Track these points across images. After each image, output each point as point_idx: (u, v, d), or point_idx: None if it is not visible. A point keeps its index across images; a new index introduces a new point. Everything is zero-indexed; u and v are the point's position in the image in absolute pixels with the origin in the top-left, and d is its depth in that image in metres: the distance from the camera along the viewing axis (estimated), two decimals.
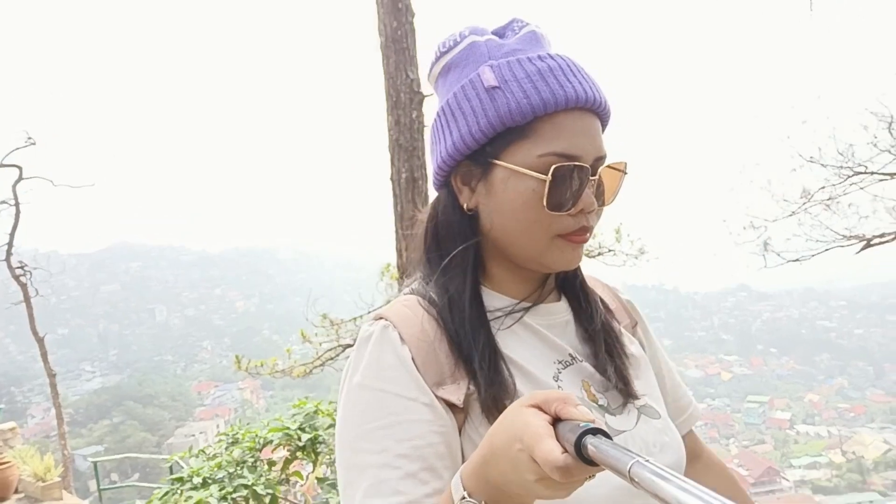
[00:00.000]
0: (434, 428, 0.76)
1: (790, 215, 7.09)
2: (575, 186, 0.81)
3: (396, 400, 0.77)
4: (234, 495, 4.14)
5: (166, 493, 4.27)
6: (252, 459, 4.54)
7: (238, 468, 4.46)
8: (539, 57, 0.84)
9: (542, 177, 0.80)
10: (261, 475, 4.41)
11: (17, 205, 11.03)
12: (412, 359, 0.80)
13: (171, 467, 6.35)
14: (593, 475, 0.53)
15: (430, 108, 5.87)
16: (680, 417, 1.06)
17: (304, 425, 4.47)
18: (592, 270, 1.08)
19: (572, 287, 0.97)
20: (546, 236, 0.83)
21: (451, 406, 0.79)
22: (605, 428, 0.53)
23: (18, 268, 10.84)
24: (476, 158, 0.86)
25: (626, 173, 0.88)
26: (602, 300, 1.00)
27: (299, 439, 4.38)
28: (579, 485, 0.56)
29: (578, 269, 0.97)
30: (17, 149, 10.89)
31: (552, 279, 0.96)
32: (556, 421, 0.56)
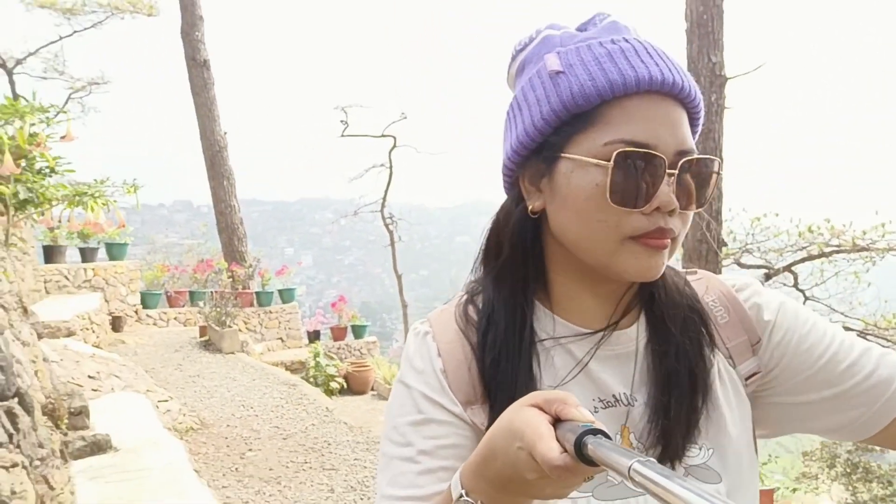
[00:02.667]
0: (459, 431, 0.76)
1: None
2: (646, 178, 0.70)
3: (426, 401, 0.77)
4: None
5: None
6: None
7: None
8: (612, 40, 0.74)
9: (605, 163, 0.69)
10: None
11: (390, 168, 13.72)
12: (444, 371, 0.78)
13: None
14: (592, 476, 0.53)
15: (731, 91, 5.85)
16: (882, 397, 0.78)
17: None
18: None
19: (652, 306, 0.81)
20: (615, 238, 0.71)
21: (476, 426, 0.76)
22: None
23: (388, 218, 13.60)
24: (542, 153, 0.76)
25: (718, 174, 0.76)
26: (704, 314, 0.83)
27: None
28: (578, 485, 0.55)
29: (660, 284, 0.81)
30: (394, 122, 13.55)
31: (634, 304, 0.82)
32: (556, 421, 0.55)
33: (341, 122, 13.34)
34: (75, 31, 17.22)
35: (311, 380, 7.60)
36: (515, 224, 0.80)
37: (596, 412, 0.77)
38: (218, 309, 7.75)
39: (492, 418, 0.73)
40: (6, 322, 2.29)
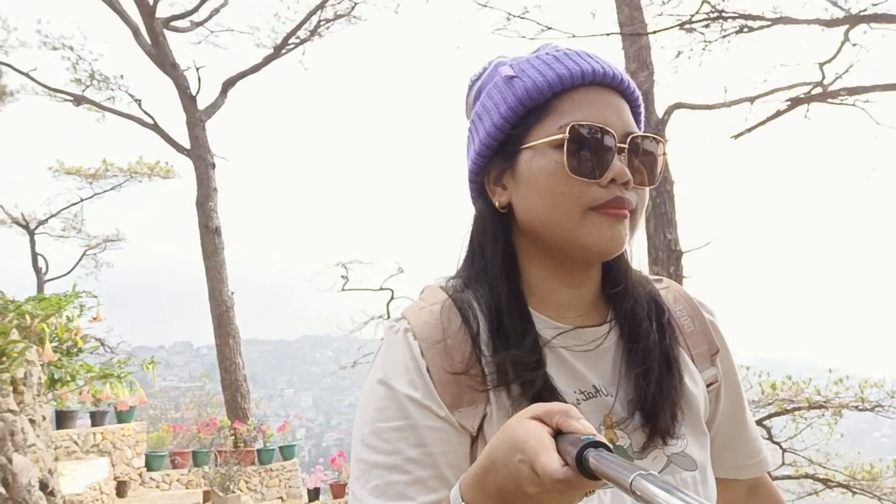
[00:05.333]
0: (447, 437, 0.75)
1: None
2: (600, 151, 0.77)
3: (413, 404, 0.75)
4: None
5: None
6: None
7: None
8: (556, 49, 0.85)
9: (561, 137, 0.77)
10: None
11: (388, 320, 14.31)
12: (429, 372, 0.77)
13: None
14: (594, 490, 0.53)
15: (687, 263, 6.60)
16: (745, 461, 0.96)
17: None
18: None
19: (619, 301, 0.87)
20: (577, 209, 0.77)
21: (465, 429, 0.76)
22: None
23: None
24: (503, 151, 0.83)
25: (665, 154, 0.83)
26: (671, 320, 0.89)
27: None
28: (579, 499, 0.55)
29: (629, 278, 0.88)
30: (391, 276, 14.34)
31: (599, 299, 0.88)
32: (557, 433, 0.55)
33: (342, 276, 14.17)
34: (95, 194, 18.54)
35: None
36: (486, 223, 0.87)
37: (579, 403, 0.80)
38: (221, 473, 7.98)
39: (489, 413, 0.76)
40: None
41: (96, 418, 8.87)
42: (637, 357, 0.83)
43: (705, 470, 0.83)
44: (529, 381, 0.77)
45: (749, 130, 5.55)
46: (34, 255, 18.72)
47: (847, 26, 4.23)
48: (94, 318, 5.98)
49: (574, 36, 5.06)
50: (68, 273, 19.47)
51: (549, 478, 0.52)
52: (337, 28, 12.93)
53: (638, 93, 0.85)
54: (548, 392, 0.77)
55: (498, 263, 0.84)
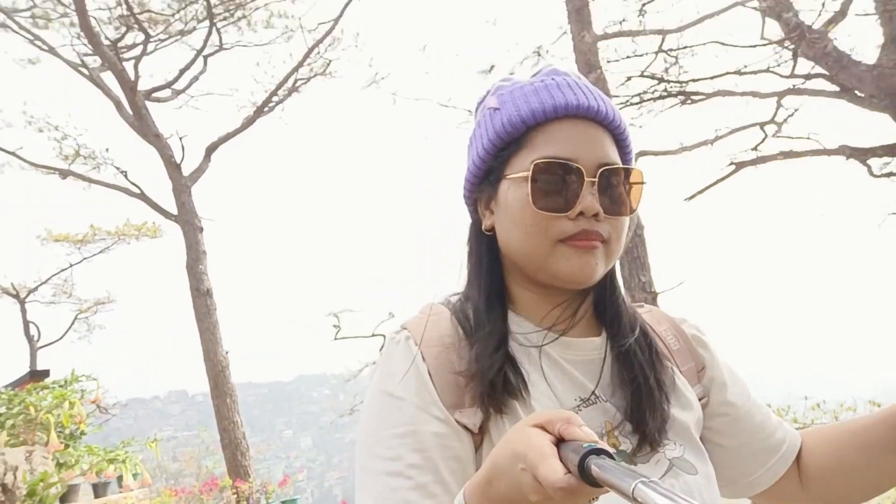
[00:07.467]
0: (448, 442, 0.76)
1: None
2: (567, 186, 0.80)
3: (414, 410, 0.76)
4: None
5: None
6: None
7: None
8: (541, 80, 0.87)
9: (526, 173, 0.80)
10: None
11: None
12: (430, 375, 0.78)
13: None
14: (597, 497, 0.53)
15: (661, 303, 6.89)
16: (775, 456, 0.93)
17: None
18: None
19: (610, 320, 0.90)
20: (547, 242, 0.80)
21: (467, 429, 0.77)
22: None
23: None
24: (487, 180, 0.88)
25: (643, 182, 0.84)
26: (658, 338, 0.93)
27: None
28: None
29: (617, 300, 0.91)
30: (383, 322, 14.59)
31: (587, 310, 0.90)
32: (559, 441, 0.55)
33: (334, 326, 14.38)
34: (84, 259, 18.71)
35: None
36: (474, 243, 0.92)
37: (580, 410, 0.82)
38: None
39: (491, 422, 0.78)
40: None
41: (98, 489, 8.96)
42: (629, 369, 0.85)
43: (708, 476, 0.85)
44: (487, 369, 0.78)
45: (700, 192, 5.90)
46: (26, 324, 18.78)
47: (776, 97, 4.62)
48: (94, 401, 6.18)
49: None
50: (61, 338, 19.55)
51: (552, 486, 0.52)
52: (315, 84, 13.33)
53: (620, 122, 0.86)
54: (520, 383, 0.80)
55: (484, 283, 0.88)
